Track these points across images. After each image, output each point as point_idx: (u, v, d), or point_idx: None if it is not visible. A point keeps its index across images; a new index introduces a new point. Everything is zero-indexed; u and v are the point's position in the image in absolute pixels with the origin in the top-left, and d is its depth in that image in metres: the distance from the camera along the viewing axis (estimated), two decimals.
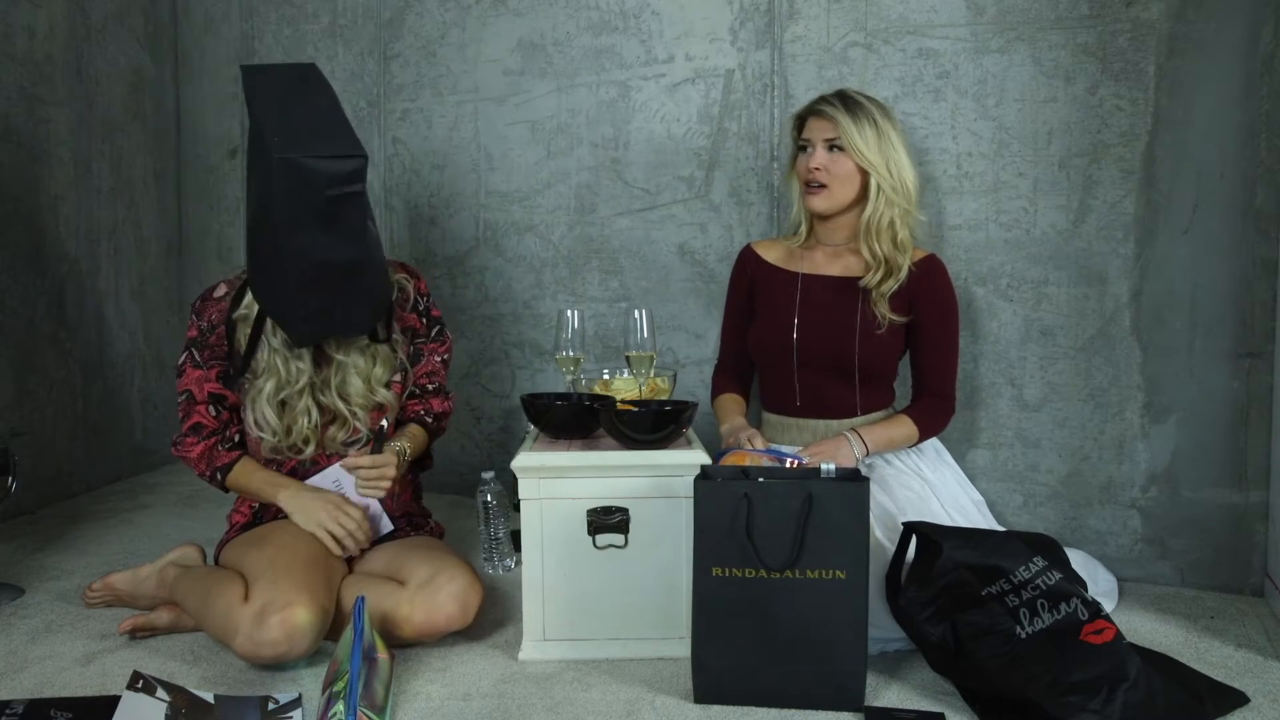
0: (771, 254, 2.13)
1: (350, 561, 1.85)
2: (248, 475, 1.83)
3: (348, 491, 1.82)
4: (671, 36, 2.49)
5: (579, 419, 1.81)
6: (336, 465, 1.82)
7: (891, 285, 1.97)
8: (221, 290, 1.84)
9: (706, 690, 1.53)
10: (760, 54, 2.40)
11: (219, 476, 1.83)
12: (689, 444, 1.77)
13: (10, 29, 2.52)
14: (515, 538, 2.10)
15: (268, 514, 1.87)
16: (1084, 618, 1.48)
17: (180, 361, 1.83)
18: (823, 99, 2.00)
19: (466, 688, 1.59)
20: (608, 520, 1.69)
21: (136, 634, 1.78)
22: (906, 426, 1.97)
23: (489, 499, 2.16)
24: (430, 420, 1.95)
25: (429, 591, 1.68)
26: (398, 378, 1.89)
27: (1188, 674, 1.62)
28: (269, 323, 1.78)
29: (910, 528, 1.69)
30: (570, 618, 1.71)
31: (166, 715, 1.42)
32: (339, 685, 1.39)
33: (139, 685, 1.45)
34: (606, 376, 2.04)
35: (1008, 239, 2.19)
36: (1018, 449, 2.22)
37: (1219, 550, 2.06)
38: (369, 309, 1.77)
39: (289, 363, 1.79)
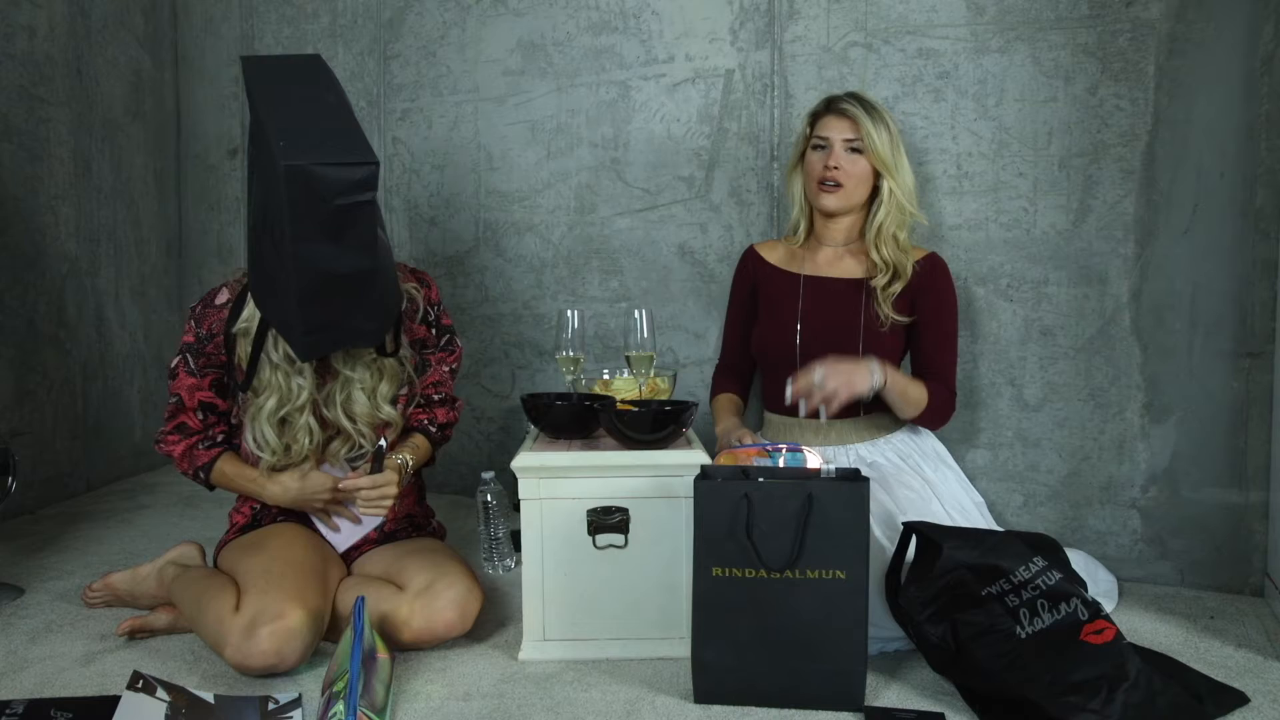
0: (773, 255, 2.14)
1: (350, 563, 1.85)
2: (228, 479, 1.80)
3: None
4: (671, 36, 2.49)
5: (579, 419, 1.81)
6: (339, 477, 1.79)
7: (898, 287, 1.97)
8: (224, 297, 1.77)
9: (706, 690, 1.53)
10: (760, 54, 2.40)
11: (201, 475, 1.81)
12: (689, 444, 1.77)
13: (10, 29, 2.52)
14: (515, 538, 2.10)
15: (269, 514, 1.86)
16: (1084, 618, 1.48)
17: (174, 364, 1.79)
18: (842, 98, 2.00)
19: (466, 688, 1.59)
20: (608, 520, 1.69)
21: (135, 635, 1.78)
22: (921, 389, 1.94)
23: (489, 499, 2.15)
24: (434, 430, 1.90)
25: (428, 598, 1.68)
26: (404, 391, 1.83)
27: (1188, 674, 1.62)
28: (270, 336, 1.71)
29: (910, 528, 1.69)
30: (570, 618, 1.71)
31: (166, 715, 1.42)
32: (339, 685, 1.39)
33: (139, 685, 1.45)
34: (606, 376, 2.04)
35: (1008, 239, 2.19)
36: (1018, 449, 2.22)
37: (1219, 550, 2.06)
38: (378, 321, 1.67)
39: (290, 379, 1.72)
